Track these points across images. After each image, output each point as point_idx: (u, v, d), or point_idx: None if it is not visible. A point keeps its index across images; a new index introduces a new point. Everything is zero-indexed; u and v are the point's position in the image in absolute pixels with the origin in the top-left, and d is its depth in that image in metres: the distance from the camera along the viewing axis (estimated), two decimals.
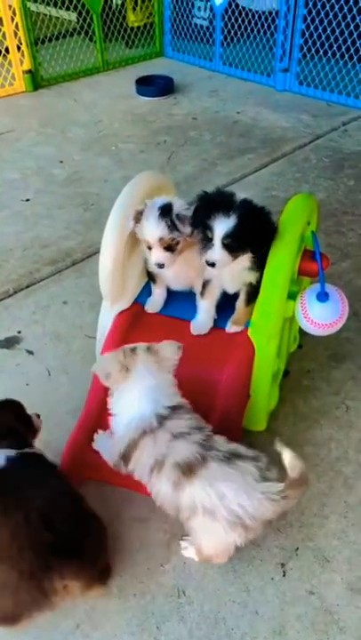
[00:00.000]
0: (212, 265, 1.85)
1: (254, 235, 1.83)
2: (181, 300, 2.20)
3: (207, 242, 1.84)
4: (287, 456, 1.57)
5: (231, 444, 1.62)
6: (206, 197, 1.89)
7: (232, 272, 1.97)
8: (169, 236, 1.89)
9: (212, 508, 1.53)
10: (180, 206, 1.92)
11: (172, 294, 2.22)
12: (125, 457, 1.69)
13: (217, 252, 1.83)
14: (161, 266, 1.95)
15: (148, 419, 1.64)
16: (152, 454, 1.62)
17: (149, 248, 1.97)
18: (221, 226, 1.79)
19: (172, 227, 1.88)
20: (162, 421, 1.63)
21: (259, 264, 1.94)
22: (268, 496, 1.50)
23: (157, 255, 1.94)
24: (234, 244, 1.82)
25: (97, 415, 2.03)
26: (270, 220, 1.91)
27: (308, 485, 1.62)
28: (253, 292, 2.00)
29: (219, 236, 1.80)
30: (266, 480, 1.53)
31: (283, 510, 1.56)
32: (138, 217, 1.94)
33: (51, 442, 2.18)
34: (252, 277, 1.99)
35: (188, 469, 1.56)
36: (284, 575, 1.80)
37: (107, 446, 1.82)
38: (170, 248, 1.92)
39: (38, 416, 1.95)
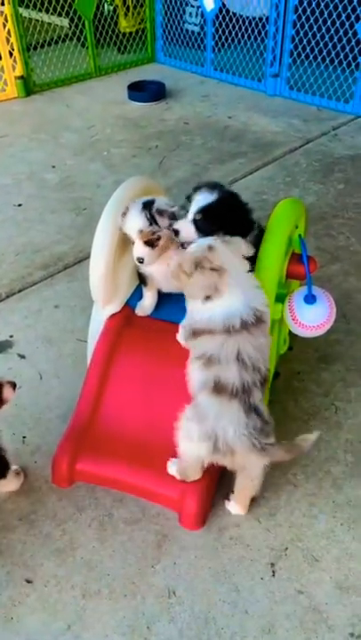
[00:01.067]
0: (183, 245, 1.90)
1: (228, 215, 1.88)
2: (172, 303, 2.21)
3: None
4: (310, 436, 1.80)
5: (262, 406, 1.72)
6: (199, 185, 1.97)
7: None
8: (148, 228, 1.94)
9: (204, 418, 1.70)
10: (162, 202, 1.99)
11: (163, 297, 2.23)
12: (195, 334, 1.75)
13: (184, 224, 1.90)
14: (141, 260, 1.99)
15: (233, 318, 1.66)
16: (212, 349, 1.68)
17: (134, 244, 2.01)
18: (199, 198, 1.88)
19: (152, 220, 1.94)
20: (244, 327, 1.66)
21: (249, 268, 1.96)
22: (251, 438, 1.66)
23: (138, 249, 1.98)
24: (206, 221, 1.86)
25: (87, 419, 2.05)
26: (247, 211, 1.97)
27: (297, 454, 1.82)
28: None
29: (193, 210, 1.88)
30: (260, 434, 1.68)
31: (255, 458, 1.72)
32: (125, 213, 1.99)
33: (42, 445, 2.20)
34: None
35: (218, 389, 1.68)
36: (273, 575, 1.82)
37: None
38: (150, 243, 1.95)
39: (14, 386, 1.90)
